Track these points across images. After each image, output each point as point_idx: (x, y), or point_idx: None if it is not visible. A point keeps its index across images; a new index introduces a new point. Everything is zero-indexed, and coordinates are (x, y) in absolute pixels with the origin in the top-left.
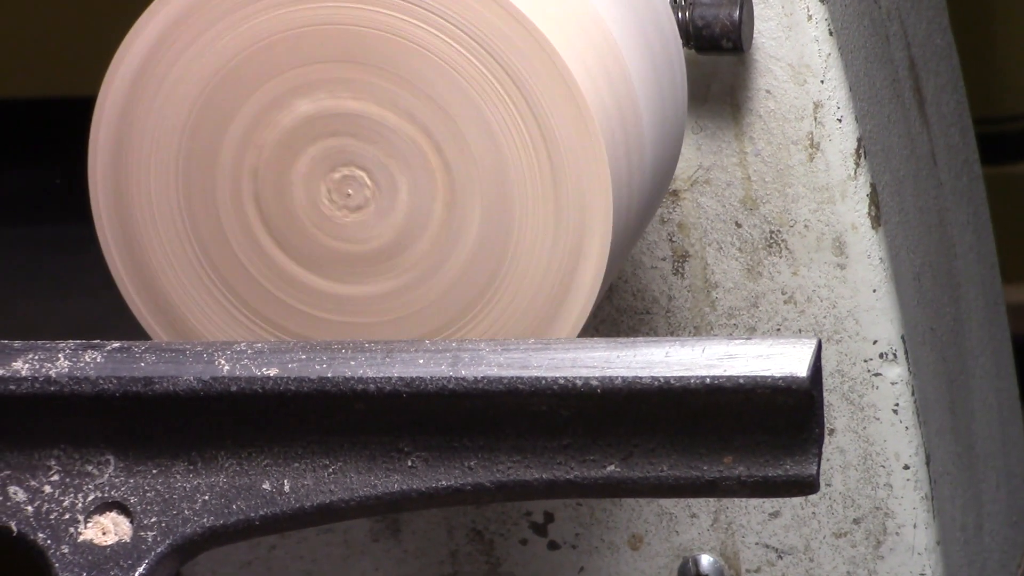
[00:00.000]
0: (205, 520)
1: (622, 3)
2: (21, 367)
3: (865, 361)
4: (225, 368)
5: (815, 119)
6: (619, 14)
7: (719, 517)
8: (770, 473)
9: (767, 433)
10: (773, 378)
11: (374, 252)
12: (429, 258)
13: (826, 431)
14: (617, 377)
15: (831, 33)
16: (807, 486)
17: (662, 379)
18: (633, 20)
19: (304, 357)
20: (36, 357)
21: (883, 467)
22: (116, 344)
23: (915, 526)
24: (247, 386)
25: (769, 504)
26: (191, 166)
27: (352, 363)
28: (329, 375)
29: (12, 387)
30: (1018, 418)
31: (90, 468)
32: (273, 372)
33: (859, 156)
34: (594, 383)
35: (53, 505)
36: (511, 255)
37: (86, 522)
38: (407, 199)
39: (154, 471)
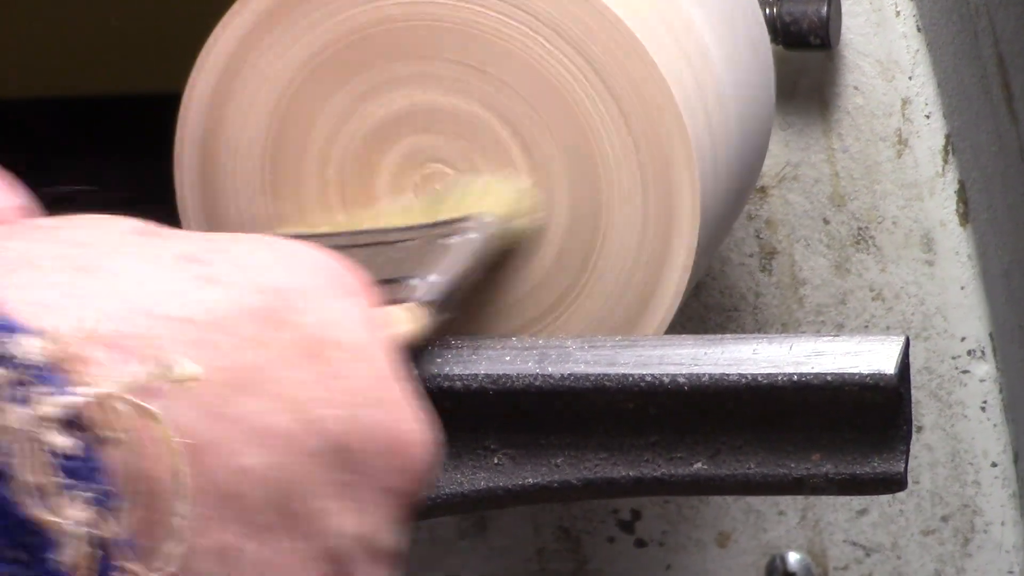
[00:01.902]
0: None
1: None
2: None
3: (953, 358)
4: None
5: (903, 115)
6: (707, 10)
7: (806, 514)
8: (858, 471)
9: (855, 430)
10: (861, 375)
11: None
12: (518, 256)
13: (914, 429)
14: (704, 374)
15: (919, 29)
16: (895, 484)
17: (749, 376)
18: (721, 17)
19: None
20: None
21: (971, 464)
22: None
23: (1003, 524)
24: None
25: (857, 501)
26: (278, 159)
27: (438, 360)
28: (415, 372)
29: None
30: None
31: None
32: None
33: (947, 152)
34: (681, 380)
35: None
36: (598, 252)
37: None
38: None
39: None
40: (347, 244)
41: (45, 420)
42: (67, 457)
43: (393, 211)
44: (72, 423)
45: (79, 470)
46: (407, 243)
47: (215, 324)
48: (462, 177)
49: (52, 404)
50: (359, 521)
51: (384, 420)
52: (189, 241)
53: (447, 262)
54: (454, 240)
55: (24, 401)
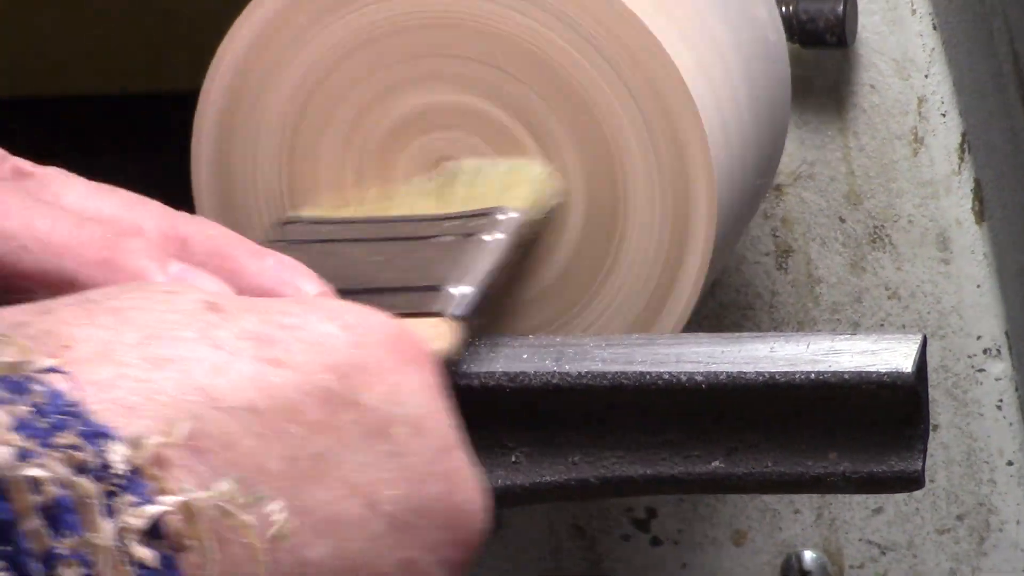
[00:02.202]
0: None
1: None
2: None
3: (969, 357)
4: None
5: (919, 114)
6: (723, 9)
7: (822, 513)
8: (875, 469)
9: (872, 429)
10: (879, 374)
11: None
12: (533, 254)
13: (930, 427)
14: (722, 372)
15: (935, 28)
16: (912, 482)
17: (767, 374)
18: (737, 15)
19: None
20: None
21: (987, 463)
22: None
23: (1019, 522)
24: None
25: (872, 500)
26: (295, 158)
27: (455, 357)
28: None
29: None
30: None
31: None
32: None
33: (963, 151)
34: (698, 378)
35: None
36: (616, 250)
37: None
38: None
39: None
40: (382, 236)
41: (129, 532)
42: (147, 568)
43: (412, 194)
44: (154, 532)
45: None
46: (440, 239)
47: (283, 411)
48: (480, 161)
49: (138, 515)
50: None
51: (445, 493)
52: (257, 315)
53: (479, 267)
54: (485, 238)
55: (112, 513)
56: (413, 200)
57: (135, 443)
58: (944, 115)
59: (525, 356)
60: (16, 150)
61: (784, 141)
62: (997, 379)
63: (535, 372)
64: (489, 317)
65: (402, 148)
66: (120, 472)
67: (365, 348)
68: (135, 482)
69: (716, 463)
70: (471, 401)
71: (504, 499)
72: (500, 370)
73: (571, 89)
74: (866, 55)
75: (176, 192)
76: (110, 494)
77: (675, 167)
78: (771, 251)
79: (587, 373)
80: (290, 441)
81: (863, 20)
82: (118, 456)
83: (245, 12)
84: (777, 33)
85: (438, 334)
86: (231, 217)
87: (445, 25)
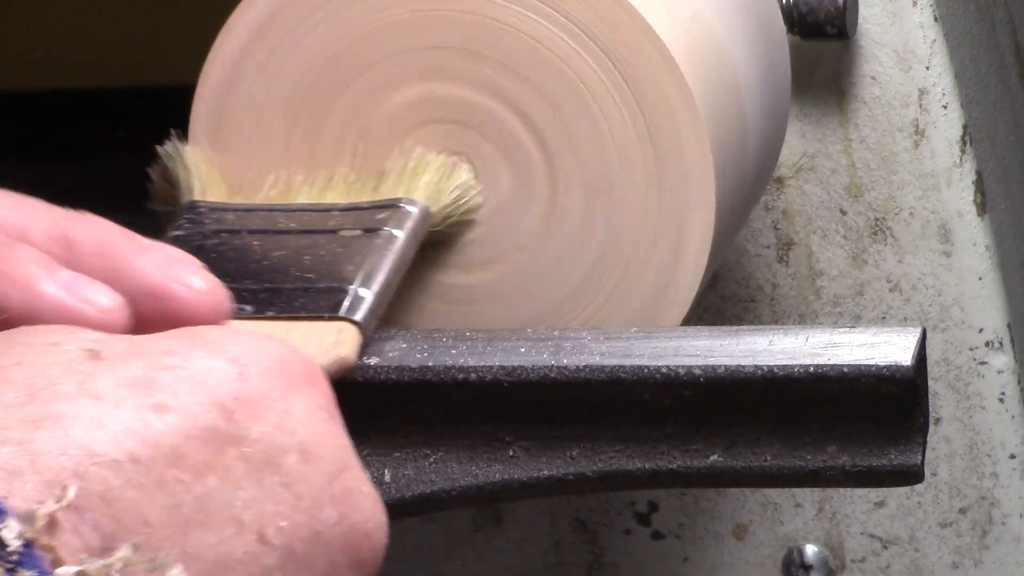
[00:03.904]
0: None
1: None
2: None
3: (971, 350)
4: None
5: (920, 106)
6: (722, 0)
7: (824, 507)
8: (875, 463)
9: (871, 422)
10: (878, 367)
11: (476, 241)
12: (531, 247)
13: (931, 420)
14: (720, 366)
15: (936, 19)
16: (912, 476)
17: (765, 368)
18: (736, 6)
19: (404, 346)
20: None
21: (988, 456)
22: None
23: (1021, 516)
24: (347, 375)
25: (874, 494)
26: (292, 153)
27: (453, 352)
28: (430, 364)
29: None
30: None
31: None
32: (373, 361)
33: (964, 143)
34: (697, 372)
35: None
36: (614, 244)
37: None
38: (509, 188)
39: None
40: (286, 228)
41: None
42: None
43: (338, 182)
44: None
45: None
46: (344, 232)
47: (165, 458)
48: (405, 154)
49: None
50: None
51: (341, 517)
52: (140, 358)
53: (383, 265)
54: (390, 234)
55: None
56: (323, 189)
57: (28, 517)
58: (945, 107)
59: (523, 350)
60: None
61: (785, 133)
62: (999, 372)
63: (533, 366)
64: (386, 315)
65: (399, 141)
66: (14, 548)
67: (251, 380)
68: (30, 556)
69: (715, 457)
70: (469, 395)
71: (503, 493)
72: (498, 364)
73: (567, 82)
74: (867, 47)
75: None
76: (9, 571)
77: (674, 158)
78: (772, 244)
79: (585, 367)
80: (173, 488)
81: (864, 11)
82: (12, 533)
83: (241, 5)
84: (777, 25)
85: (341, 340)
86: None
87: (443, 19)
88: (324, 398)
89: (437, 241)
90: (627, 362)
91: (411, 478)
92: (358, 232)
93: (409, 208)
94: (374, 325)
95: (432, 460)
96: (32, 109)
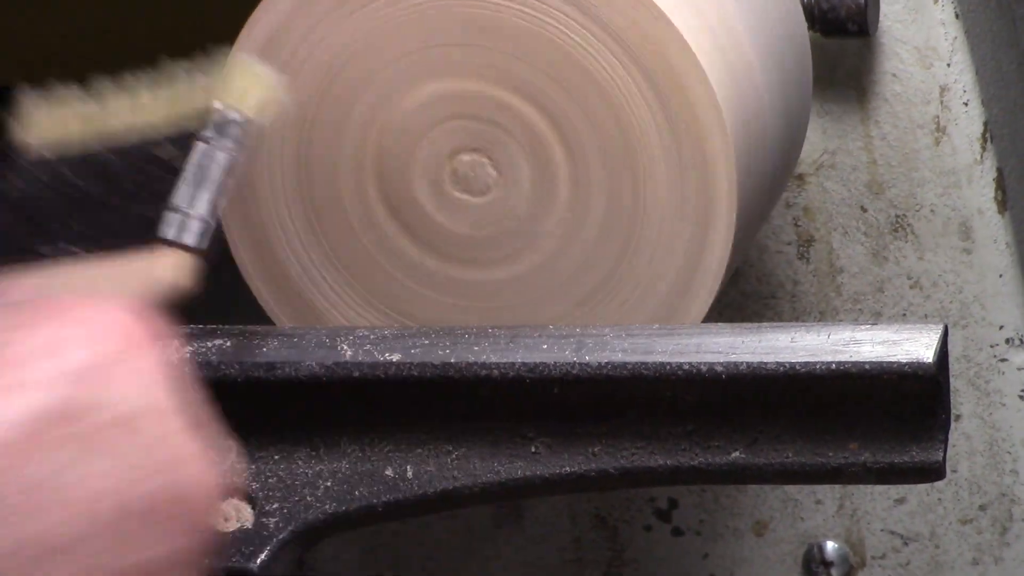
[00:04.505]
0: (327, 506)
1: None
2: None
3: (991, 347)
4: (348, 354)
5: (941, 103)
6: None
7: (844, 503)
8: (896, 459)
9: (893, 419)
10: (899, 364)
11: (498, 236)
12: (553, 243)
13: (952, 417)
14: (742, 363)
15: (957, 16)
16: (933, 472)
17: (787, 364)
18: (758, 3)
19: (427, 342)
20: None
21: (1009, 453)
22: (238, 329)
23: None
24: (370, 372)
25: (894, 490)
26: (314, 150)
27: (475, 348)
28: (452, 360)
29: None
30: None
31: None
32: (396, 357)
33: (985, 140)
34: (719, 369)
35: None
36: (636, 240)
37: None
38: (530, 184)
39: (276, 457)
40: (118, 164)
41: None
42: None
43: (139, 99)
44: None
45: None
46: (169, 149)
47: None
48: (204, 63)
49: None
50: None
51: (169, 484)
52: None
53: (212, 184)
54: (215, 151)
55: None
56: (140, 106)
57: None
58: (966, 104)
59: (545, 347)
60: None
61: (806, 130)
62: (1019, 368)
63: (555, 363)
64: (221, 241)
65: (421, 136)
66: None
67: (96, 346)
68: None
69: (737, 453)
70: (491, 392)
71: (524, 490)
72: (520, 360)
73: (591, 78)
74: (888, 44)
75: None
76: None
77: (696, 156)
78: (793, 240)
79: (607, 364)
80: (20, 468)
81: (885, 9)
82: None
83: (262, 5)
84: (798, 22)
85: (176, 267)
86: (250, 211)
87: (464, 14)
88: (149, 362)
89: (456, 238)
90: (649, 359)
91: (433, 474)
92: (182, 151)
93: (232, 120)
94: (206, 244)
95: (454, 456)
96: None
